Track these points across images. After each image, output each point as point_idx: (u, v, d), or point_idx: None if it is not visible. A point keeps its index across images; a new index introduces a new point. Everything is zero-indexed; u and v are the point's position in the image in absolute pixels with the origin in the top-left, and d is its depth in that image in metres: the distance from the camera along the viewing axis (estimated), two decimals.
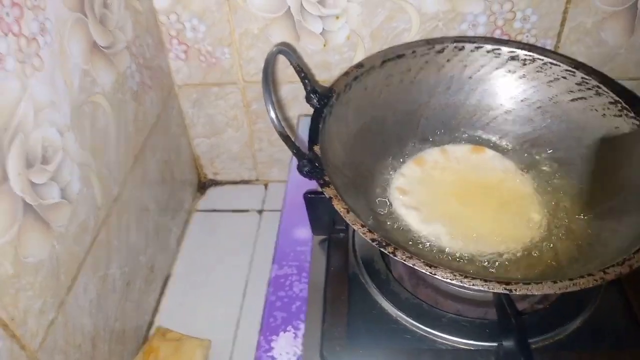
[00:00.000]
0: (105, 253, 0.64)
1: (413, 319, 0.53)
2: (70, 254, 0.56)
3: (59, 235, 0.54)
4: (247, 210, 0.92)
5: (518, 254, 0.54)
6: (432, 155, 0.63)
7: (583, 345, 0.51)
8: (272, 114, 0.46)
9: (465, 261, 0.53)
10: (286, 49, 0.52)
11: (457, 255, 0.54)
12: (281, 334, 0.54)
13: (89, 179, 0.60)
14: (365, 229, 0.46)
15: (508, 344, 0.48)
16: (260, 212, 0.92)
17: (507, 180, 0.60)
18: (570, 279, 0.42)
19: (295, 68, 0.55)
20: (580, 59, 0.74)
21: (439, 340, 0.52)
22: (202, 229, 0.90)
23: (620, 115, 0.55)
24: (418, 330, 0.53)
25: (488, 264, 0.53)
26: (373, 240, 0.45)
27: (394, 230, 0.56)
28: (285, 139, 0.47)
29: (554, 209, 0.57)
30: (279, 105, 0.86)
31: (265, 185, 0.96)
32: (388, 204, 0.59)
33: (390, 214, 0.58)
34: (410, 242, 0.55)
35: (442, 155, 0.63)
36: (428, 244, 0.55)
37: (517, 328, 0.46)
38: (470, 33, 0.74)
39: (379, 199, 0.59)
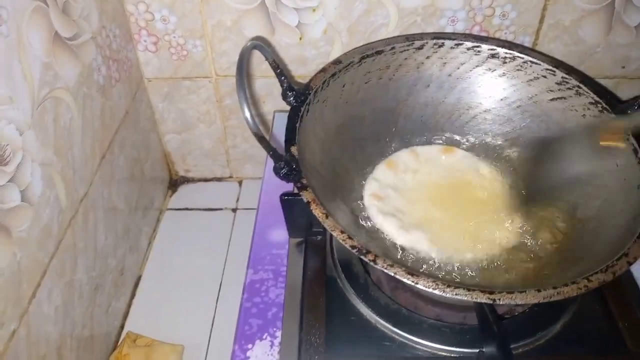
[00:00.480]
0: (71, 257, 0.61)
1: (393, 325, 0.52)
2: (32, 261, 0.53)
3: (19, 240, 0.51)
4: (220, 209, 0.89)
5: (497, 258, 0.53)
6: (403, 157, 0.61)
7: (563, 350, 0.51)
8: (247, 114, 0.44)
9: (446, 267, 0.52)
10: (261, 44, 0.50)
11: (437, 261, 0.52)
12: (257, 342, 0.52)
13: (52, 179, 0.57)
14: (345, 236, 0.44)
15: (489, 350, 0.47)
16: (234, 210, 0.89)
17: (481, 181, 0.59)
18: (554, 287, 0.41)
19: (271, 64, 0.52)
20: (558, 56, 0.74)
21: (419, 347, 0.51)
22: (174, 228, 0.87)
23: (600, 117, 0.54)
24: (398, 337, 0.51)
25: (469, 269, 0.52)
26: (353, 247, 0.43)
27: (373, 234, 0.55)
28: (261, 139, 0.45)
29: (531, 210, 0.56)
30: (253, 101, 0.83)
31: (240, 183, 0.94)
32: (364, 209, 0.57)
33: (368, 220, 0.56)
34: (390, 248, 0.54)
35: (413, 156, 0.61)
36: (406, 250, 0.53)
37: (499, 334, 0.45)
38: (449, 29, 0.72)
39: (356, 201, 0.58)
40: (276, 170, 0.47)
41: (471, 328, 0.51)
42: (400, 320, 0.52)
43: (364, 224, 0.56)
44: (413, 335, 0.51)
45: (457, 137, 0.63)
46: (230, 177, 0.95)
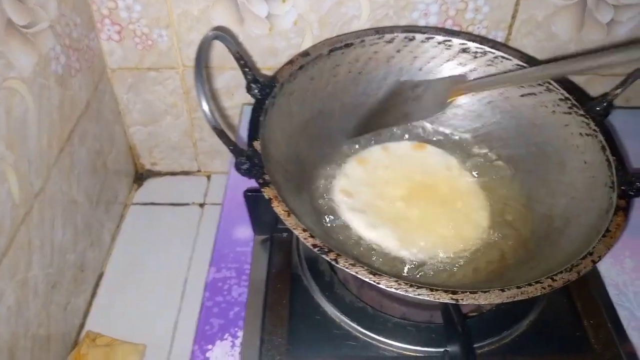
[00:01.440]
0: (25, 254, 0.58)
1: (357, 324, 0.51)
2: None
3: None
4: (187, 204, 0.87)
5: (465, 255, 0.52)
6: (374, 153, 0.60)
7: (528, 349, 0.50)
8: (205, 107, 0.42)
9: (413, 265, 0.51)
10: (223, 34, 0.48)
11: (405, 259, 0.51)
12: (217, 342, 0.51)
13: (4, 173, 0.54)
14: (307, 234, 0.42)
15: (453, 349, 0.46)
16: (201, 205, 0.87)
17: (451, 178, 0.58)
18: (518, 287, 0.40)
19: (234, 55, 0.50)
20: (531, 52, 0.73)
21: (384, 346, 0.50)
22: (139, 223, 0.85)
23: (570, 113, 0.54)
24: (362, 336, 0.51)
25: (436, 267, 0.51)
26: (315, 246, 0.42)
27: (340, 233, 0.53)
28: (220, 134, 0.43)
29: (501, 207, 0.56)
30: (222, 93, 0.81)
31: (208, 177, 0.91)
32: (333, 206, 0.55)
33: (336, 217, 0.54)
34: (357, 246, 0.52)
35: (385, 153, 0.60)
36: (375, 248, 0.52)
37: (462, 334, 0.44)
38: (422, 22, 0.71)
39: (324, 197, 0.56)
40: (237, 166, 0.45)
41: (437, 327, 0.50)
42: (366, 319, 0.51)
43: (333, 221, 0.54)
44: (378, 334, 0.50)
45: (428, 132, 0.62)
46: (199, 171, 0.92)
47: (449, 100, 0.56)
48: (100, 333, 0.70)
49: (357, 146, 0.61)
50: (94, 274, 0.77)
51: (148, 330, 0.71)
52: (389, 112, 0.59)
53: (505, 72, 0.57)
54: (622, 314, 0.54)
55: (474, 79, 0.59)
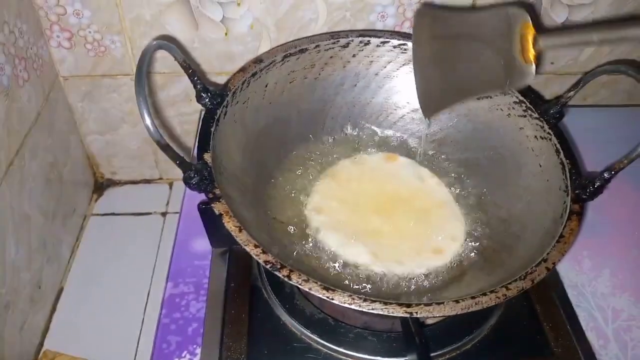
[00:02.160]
0: None
1: (318, 336, 0.50)
2: None
3: None
4: (149, 213, 0.85)
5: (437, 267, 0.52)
6: (345, 167, 0.59)
7: (489, 355, 0.50)
8: (147, 121, 0.40)
9: (380, 278, 0.50)
10: (167, 43, 0.46)
11: (374, 272, 0.51)
12: None
13: None
14: (259, 250, 0.41)
15: (412, 359, 0.46)
16: (164, 214, 0.85)
17: (422, 189, 0.58)
18: (473, 298, 0.40)
19: (181, 64, 0.49)
20: None
21: (345, 358, 0.49)
22: (99, 235, 0.82)
23: (525, 116, 0.54)
24: (323, 349, 0.50)
25: (405, 280, 0.50)
26: (267, 262, 0.41)
27: (308, 246, 0.52)
28: (165, 148, 0.41)
29: (464, 214, 0.55)
30: (180, 99, 0.79)
31: (170, 185, 0.89)
32: (303, 223, 0.54)
33: (307, 233, 0.53)
34: (327, 260, 0.51)
35: (355, 166, 0.59)
36: (349, 263, 0.51)
37: (420, 345, 0.44)
38: (380, 25, 0.70)
39: (282, 209, 0.55)
40: (186, 181, 0.44)
41: (398, 335, 0.50)
42: (326, 330, 0.51)
43: (300, 236, 0.53)
44: (339, 345, 0.50)
45: (386, 137, 0.62)
46: (160, 178, 0.90)
47: (532, 59, 0.43)
48: (59, 352, 0.68)
49: (315, 153, 0.60)
50: (53, 290, 0.75)
51: (110, 347, 0.69)
52: (469, 78, 0.48)
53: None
54: (581, 315, 0.54)
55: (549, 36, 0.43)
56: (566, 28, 0.43)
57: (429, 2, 0.65)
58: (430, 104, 0.50)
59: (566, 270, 0.58)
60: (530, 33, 0.43)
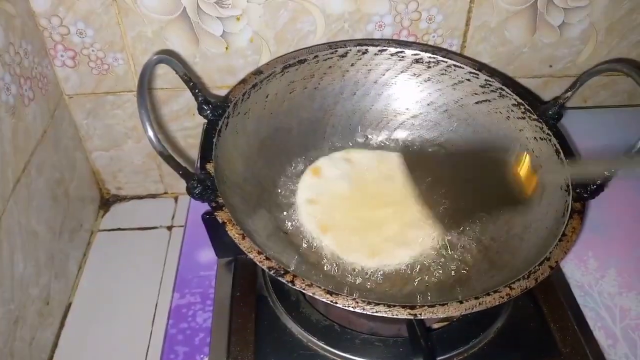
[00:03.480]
0: None
1: (325, 343, 0.50)
2: None
3: None
4: (155, 227, 0.85)
5: (430, 265, 0.52)
6: (336, 165, 0.60)
7: (497, 357, 0.50)
8: (150, 133, 0.41)
9: (380, 278, 0.51)
10: (168, 57, 0.47)
11: (371, 272, 0.51)
12: None
13: None
14: (262, 256, 0.42)
15: None
16: (169, 228, 0.85)
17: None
18: (477, 298, 0.40)
19: (182, 77, 0.50)
20: (486, 58, 0.74)
21: None
22: (106, 250, 0.83)
23: (524, 118, 0.54)
24: (330, 355, 0.50)
25: (405, 279, 0.51)
26: (270, 268, 0.41)
27: (307, 250, 0.53)
28: (167, 159, 0.42)
29: (463, 216, 0.56)
30: (183, 113, 0.80)
31: (175, 199, 0.90)
32: (297, 222, 0.55)
33: (301, 233, 0.54)
34: (326, 263, 0.52)
35: (347, 163, 0.60)
36: (341, 262, 0.51)
37: (426, 348, 0.44)
38: (377, 34, 0.71)
39: (286, 214, 0.56)
40: (189, 191, 0.44)
41: (404, 340, 0.50)
42: (333, 337, 0.51)
43: (298, 241, 0.54)
44: (345, 352, 0.50)
45: (386, 144, 0.62)
46: (165, 193, 0.91)
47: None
48: None
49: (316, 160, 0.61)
50: (61, 306, 0.75)
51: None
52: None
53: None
54: (588, 315, 0.54)
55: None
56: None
57: None
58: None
59: (572, 270, 0.58)
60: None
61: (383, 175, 0.59)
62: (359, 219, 0.56)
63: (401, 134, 0.62)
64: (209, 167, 0.47)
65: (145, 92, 0.42)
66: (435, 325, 0.52)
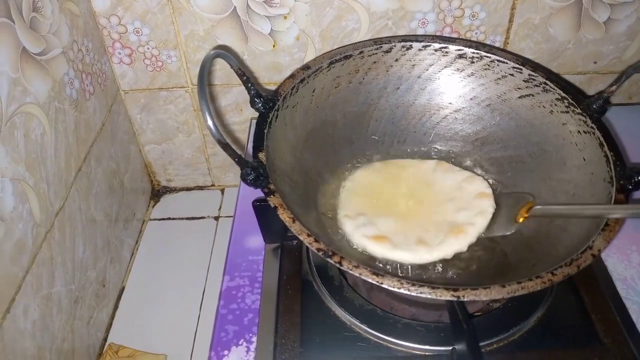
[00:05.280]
0: (48, 271, 0.61)
1: (367, 326, 0.52)
2: (5, 276, 0.53)
3: None
4: (203, 217, 0.89)
5: (467, 255, 0.53)
6: (379, 168, 0.62)
7: (537, 345, 0.51)
8: (210, 123, 0.44)
9: (417, 267, 0.52)
10: (224, 52, 0.50)
11: (409, 261, 0.53)
12: (233, 348, 0.53)
13: (25, 194, 0.57)
14: (312, 239, 0.44)
15: (461, 347, 0.47)
16: (216, 218, 0.89)
17: (458, 181, 0.59)
18: (519, 282, 0.41)
19: (236, 72, 0.53)
20: (529, 54, 0.75)
21: (394, 347, 0.51)
22: (157, 238, 0.87)
23: (567, 112, 0.55)
24: (373, 338, 0.52)
25: (440, 268, 0.52)
26: (319, 250, 0.43)
27: (344, 239, 0.55)
28: (225, 147, 0.45)
29: (504, 207, 0.57)
30: (231, 109, 0.84)
31: (222, 191, 0.94)
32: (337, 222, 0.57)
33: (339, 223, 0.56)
34: (362, 250, 0.54)
35: (391, 167, 0.62)
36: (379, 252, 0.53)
37: (468, 332, 0.45)
38: (421, 31, 0.73)
39: (329, 205, 0.58)
40: (243, 177, 0.47)
41: (445, 326, 0.51)
42: (375, 320, 0.53)
43: (337, 229, 0.56)
44: (388, 335, 0.51)
45: (429, 138, 0.64)
46: (213, 185, 0.95)
47: (519, 221, 0.53)
48: (123, 345, 0.72)
49: (360, 154, 0.63)
50: (115, 288, 0.80)
51: (168, 340, 0.73)
52: None
53: (576, 205, 0.52)
54: (631, 308, 0.54)
55: (543, 206, 0.53)
56: (561, 204, 0.54)
57: None
58: None
59: (614, 264, 0.58)
60: (528, 205, 0.53)
61: (420, 180, 0.60)
62: (405, 214, 0.57)
63: (444, 128, 0.63)
64: (261, 155, 0.50)
65: (205, 84, 0.44)
66: (477, 313, 0.53)
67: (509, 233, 0.54)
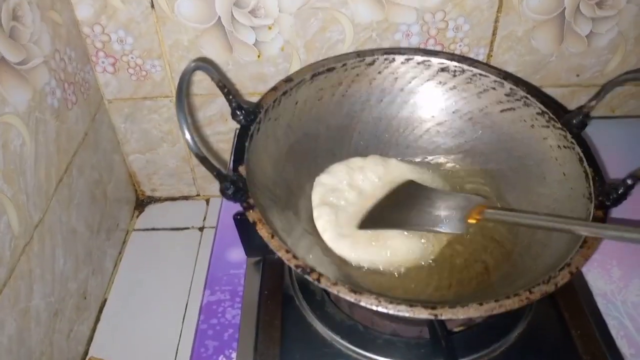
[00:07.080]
0: (26, 284, 0.60)
1: (348, 342, 0.52)
2: None
3: None
4: (187, 228, 0.89)
5: (450, 273, 0.53)
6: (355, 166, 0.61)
7: None
8: (187, 136, 0.43)
9: (399, 277, 0.52)
10: (204, 65, 0.50)
11: (392, 272, 0.52)
12: None
13: (3, 206, 0.56)
14: (290, 255, 0.44)
15: None
16: (201, 229, 0.89)
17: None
18: (497, 300, 0.41)
19: (217, 84, 0.52)
20: (513, 67, 0.75)
21: None
22: (140, 249, 0.86)
23: (548, 126, 0.55)
24: (353, 354, 0.51)
25: (421, 283, 0.52)
26: (297, 266, 0.43)
27: (330, 251, 0.55)
28: (203, 160, 0.45)
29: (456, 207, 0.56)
30: (216, 119, 0.83)
31: (207, 201, 0.93)
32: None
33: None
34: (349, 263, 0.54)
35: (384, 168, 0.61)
36: (365, 267, 0.53)
37: (446, 349, 0.45)
38: (404, 43, 0.73)
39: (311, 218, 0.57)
40: (222, 191, 0.47)
41: (426, 342, 0.51)
42: (356, 336, 0.52)
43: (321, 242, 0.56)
44: (368, 351, 0.51)
45: (411, 151, 0.64)
46: (198, 195, 0.94)
47: (469, 221, 0.51)
48: (103, 359, 0.71)
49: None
50: (97, 300, 0.79)
51: (150, 354, 0.72)
52: (403, 214, 0.55)
53: (532, 215, 0.51)
54: (611, 324, 0.54)
55: (496, 210, 0.53)
56: (514, 210, 0.55)
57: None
58: (368, 222, 0.56)
59: (595, 279, 0.58)
60: (480, 207, 0.51)
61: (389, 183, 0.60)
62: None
63: (426, 141, 0.63)
64: (241, 169, 0.50)
65: (184, 97, 0.44)
66: (457, 329, 0.53)
67: (459, 232, 0.52)
